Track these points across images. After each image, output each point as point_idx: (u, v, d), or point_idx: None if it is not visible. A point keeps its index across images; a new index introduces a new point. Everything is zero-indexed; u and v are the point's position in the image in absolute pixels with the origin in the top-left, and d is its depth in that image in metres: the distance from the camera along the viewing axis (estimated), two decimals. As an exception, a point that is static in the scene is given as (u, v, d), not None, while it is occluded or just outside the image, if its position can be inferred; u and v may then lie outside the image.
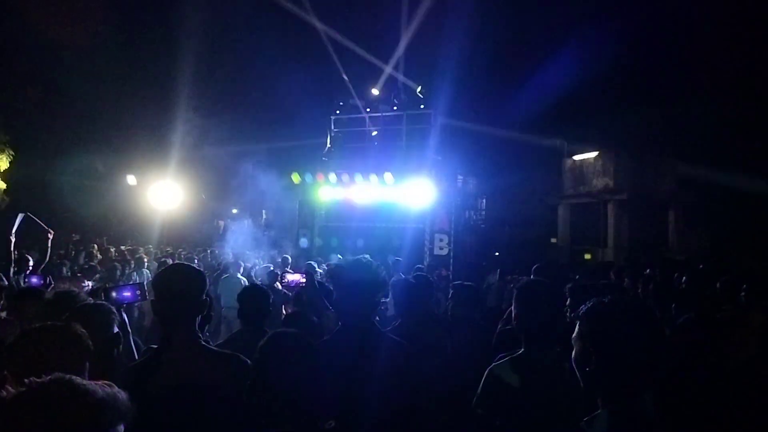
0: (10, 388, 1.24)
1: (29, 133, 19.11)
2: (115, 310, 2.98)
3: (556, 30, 17.25)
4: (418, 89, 15.12)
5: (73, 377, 1.28)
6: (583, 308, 1.93)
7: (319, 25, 15.83)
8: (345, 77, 15.59)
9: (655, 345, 1.82)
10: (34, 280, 5.58)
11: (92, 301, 3.38)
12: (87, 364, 2.10)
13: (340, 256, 12.17)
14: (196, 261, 13.18)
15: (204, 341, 2.57)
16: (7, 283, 4.79)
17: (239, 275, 10.35)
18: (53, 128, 19.52)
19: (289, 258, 11.26)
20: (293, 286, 5.99)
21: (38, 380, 1.24)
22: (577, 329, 1.91)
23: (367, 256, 3.07)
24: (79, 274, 9.95)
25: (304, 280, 5.31)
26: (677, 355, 2.98)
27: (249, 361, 2.50)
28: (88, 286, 9.25)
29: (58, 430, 1.17)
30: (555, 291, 3.01)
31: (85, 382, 1.26)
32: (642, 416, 1.75)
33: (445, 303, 9.86)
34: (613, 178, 21.66)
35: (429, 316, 4.91)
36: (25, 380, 1.23)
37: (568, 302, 3.50)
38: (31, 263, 8.03)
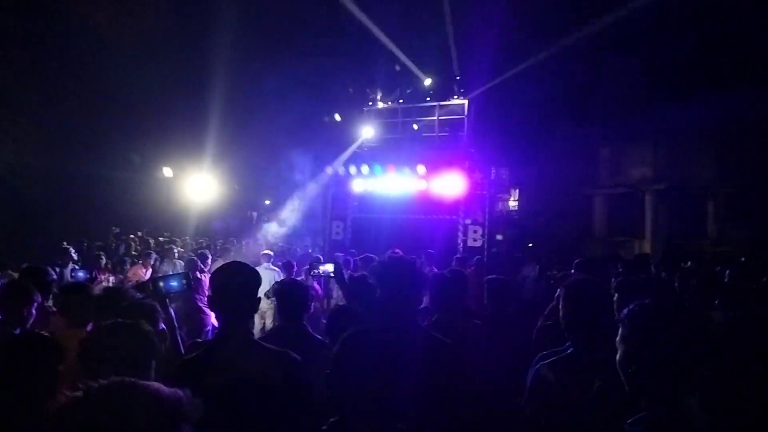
0: (67, 393, 1.17)
1: (66, 126, 19.50)
2: (159, 308, 3.05)
3: (597, 17, 16.88)
4: (453, 82, 15.02)
5: (136, 380, 1.21)
6: (626, 311, 1.94)
7: (356, 15, 15.79)
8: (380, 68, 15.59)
9: (697, 349, 1.82)
10: (81, 274, 5.72)
11: (137, 298, 3.47)
12: (153, 362, 2.17)
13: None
14: (232, 253, 13.38)
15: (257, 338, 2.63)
16: (54, 276, 4.90)
17: (272, 266, 10.47)
18: (90, 121, 19.88)
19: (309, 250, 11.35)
20: (324, 278, 6.01)
21: (97, 384, 1.16)
22: (620, 332, 1.93)
23: (398, 251, 3.08)
24: (139, 261, 10.19)
25: (332, 272, 5.32)
26: (725, 357, 2.92)
27: (299, 358, 2.55)
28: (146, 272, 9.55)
29: None
30: (603, 289, 2.98)
31: (149, 384, 1.20)
32: (685, 420, 1.75)
33: (479, 295, 9.86)
34: (651, 167, 21.24)
35: (465, 311, 4.92)
36: (80, 385, 1.14)
37: (615, 298, 3.45)
38: (74, 255, 8.27)
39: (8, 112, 18.49)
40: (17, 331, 3.63)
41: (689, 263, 11.08)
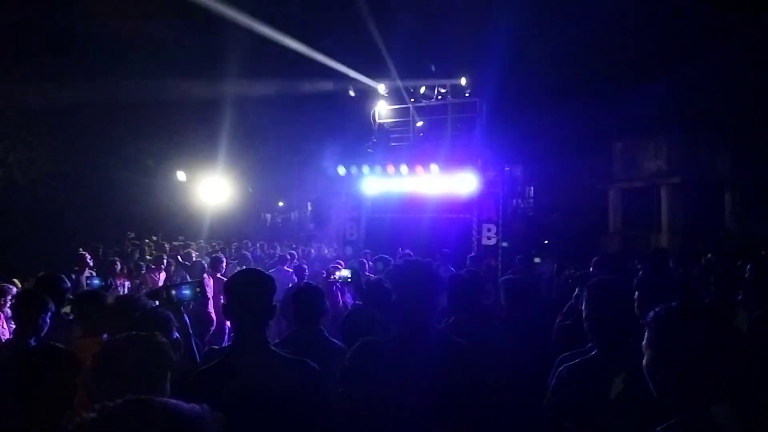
0: (84, 414, 1.12)
1: (81, 131, 19.65)
2: (172, 317, 3.03)
3: (605, 5, 16.72)
4: (463, 79, 14.94)
5: (154, 398, 1.16)
6: (651, 314, 1.88)
7: (364, 12, 15.77)
8: (390, 67, 15.54)
9: (727, 355, 1.77)
10: (96, 281, 5.73)
11: (150, 307, 3.46)
12: (169, 373, 2.15)
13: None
14: (249, 255, 13.40)
15: (272, 346, 2.60)
16: (69, 284, 4.92)
17: (287, 268, 10.47)
18: (105, 125, 20.02)
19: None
20: (341, 282, 5.99)
21: (113, 404, 1.11)
22: (646, 335, 1.87)
23: (410, 251, 3.06)
24: (152, 266, 10.22)
25: (350, 276, 5.29)
26: (755, 357, 2.84)
27: (317, 366, 2.52)
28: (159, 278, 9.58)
29: None
30: (626, 290, 2.93)
31: (167, 401, 1.16)
32: (716, 428, 1.69)
33: (495, 294, 9.79)
34: (666, 160, 21.01)
35: (482, 312, 4.86)
36: (96, 405, 1.10)
37: (636, 296, 3.39)
38: (90, 261, 8.30)
39: (23, 118, 18.67)
40: (32, 340, 3.65)
41: (709, 255, 10.94)
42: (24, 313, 3.79)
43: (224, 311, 2.65)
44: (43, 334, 3.76)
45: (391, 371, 2.44)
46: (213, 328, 8.43)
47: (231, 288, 2.65)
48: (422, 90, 15.38)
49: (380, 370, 2.04)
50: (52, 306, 3.84)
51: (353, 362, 2.57)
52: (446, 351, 2.73)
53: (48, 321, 3.78)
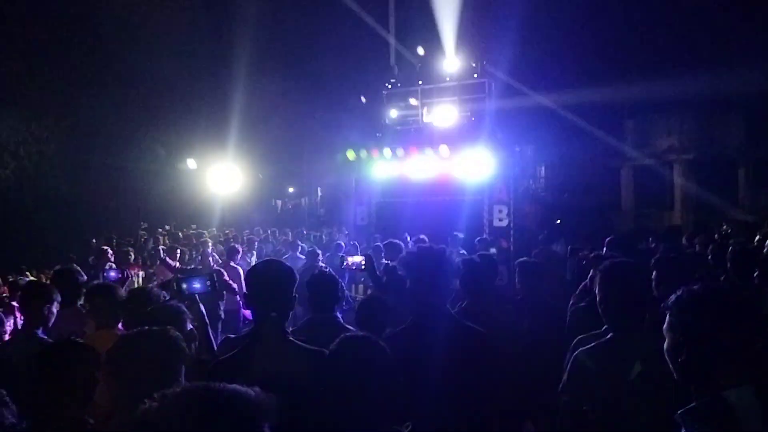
0: (147, 402, 1.11)
1: (91, 119, 19.67)
2: (185, 308, 3.06)
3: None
4: (472, 60, 14.80)
5: (210, 384, 1.17)
6: (673, 298, 1.86)
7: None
8: (398, 49, 15.43)
9: (750, 336, 1.76)
10: (112, 274, 5.76)
11: (163, 299, 3.48)
12: (183, 367, 2.17)
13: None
14: (256, 243, 13.46)
15: (293, 337, 2.62)
16: (85, 278, 4.96)
17: (299, 255, 10.50)
18: (115, 113, 20.03)
19: (343, 244, 11.28)
20: (354, 270, 5.97)
21: (175, 392, 1.13)
22: (667, 320, 1.87)
23: (424, 237, 3.06)
24: (167, 256, 10.17)
25: (363, 263, 5.27)
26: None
27: None
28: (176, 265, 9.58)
29: None
30: (641, 271, 2.91)
31: (225, 386, 1.15)
32: (739, 410, 1.69)
33: (507, 276, 9.77)
34: (678, 137, 20.80)
35: (496, 296, 4.86)
36: (156, 395, 1.12)
37: (653, 276, 3.37)
38: (110, 255, 8.35)
39: (32, 111, 18.73)
40: (39, 331, 3.69)
41: (724, 226, 10.87)
42: (29, 304, 3.84)
43: (246, 301, 2.69)
44: (51, 325, 3.80)
45: (406, 360, 2.45)
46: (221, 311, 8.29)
47: (252, 278, 2.69)
48: (431, 71, 15.26)
49: (397, 359, 2.05)
50: (57, 296, 3.87)
51: None
52: (461, 337, 2.72)
53: (54, 311, 3.81)
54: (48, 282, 5.06)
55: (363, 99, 16.44)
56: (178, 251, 10.69)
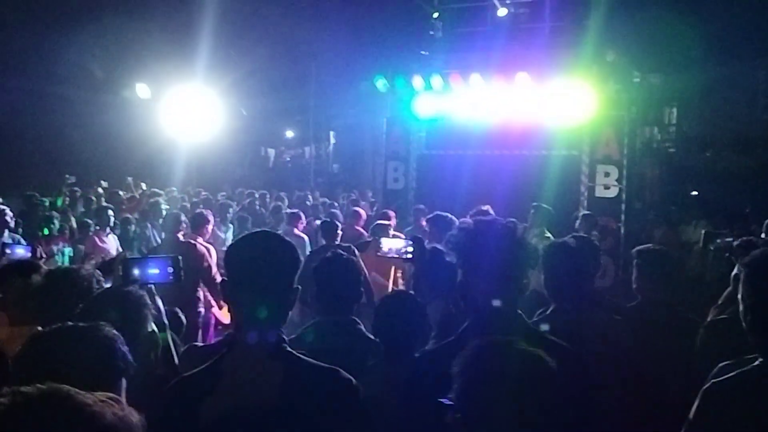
0: None
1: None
2: (148, 299, 3.07)
3: None
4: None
5: (73, 391, 1.30)
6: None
7: None
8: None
9: None
10: (20, 250, 5.81)
11: (104, 285, 3.49)
12: (123, 381, 2.18)
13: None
14: (236, 207, 13.56)
15: (291, 348, 2.56)
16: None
17: (298, 231, 10.53)
18: (31, 16, 20.21)
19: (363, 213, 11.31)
20: (396, 259, 5.94)
21: (24, 391, 1.27)
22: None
23: (488, 207, 3.04)
24: (98, 228, 10.27)
25: (410, 250, 5.25)
26: None
27: (353, 380, 2.50)
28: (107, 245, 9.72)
29: None
30: None
31: (89, 400, 1.29)
32: None
33: (614, 272, 9.71)
34: None
35: (597, 300, 4.82)
36: (4, 389, 1.27)
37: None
38: (9, 219, 8.39)
39: None
40: None
41: None
42: None
43: (222, 291, 2.65)
44: None
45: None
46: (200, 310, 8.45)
47: (232, 258, 2.60)
48: None
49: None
50: None
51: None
52: (542, 361, 2.69)
53: None
54: None
55: None
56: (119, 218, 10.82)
